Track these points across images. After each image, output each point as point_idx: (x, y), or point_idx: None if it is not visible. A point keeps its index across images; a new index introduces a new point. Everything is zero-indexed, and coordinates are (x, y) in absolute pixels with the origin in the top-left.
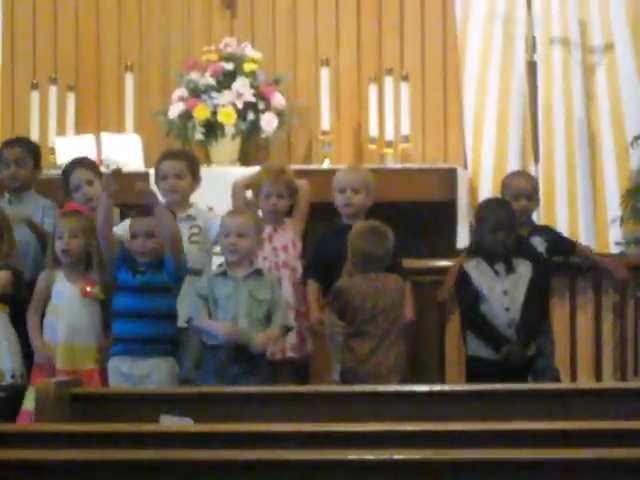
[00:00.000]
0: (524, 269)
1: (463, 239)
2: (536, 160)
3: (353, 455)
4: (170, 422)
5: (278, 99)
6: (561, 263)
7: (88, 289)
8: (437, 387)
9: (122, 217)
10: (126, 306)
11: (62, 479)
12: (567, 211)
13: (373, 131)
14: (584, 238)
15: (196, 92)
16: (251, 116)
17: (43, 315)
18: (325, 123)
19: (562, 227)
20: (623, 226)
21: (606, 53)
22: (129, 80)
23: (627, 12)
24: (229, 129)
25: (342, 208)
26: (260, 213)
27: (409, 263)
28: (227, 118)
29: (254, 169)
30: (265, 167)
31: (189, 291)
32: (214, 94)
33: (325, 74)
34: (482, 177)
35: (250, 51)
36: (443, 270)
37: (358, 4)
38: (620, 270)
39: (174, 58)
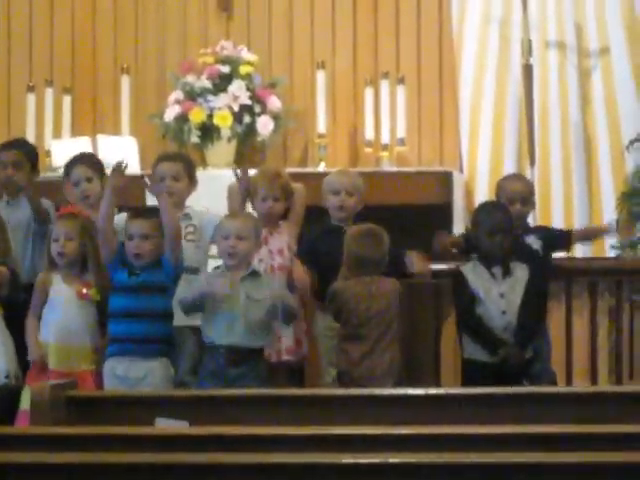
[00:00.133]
0: (521, 272)
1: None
2: (532, 163)
3: (348, 459)
4: (166, 425)
5: (274, 102)
6: (557, 266)
7: (84, 291)
8: (433, 390)
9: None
10: (121, 306)
11: None
12: (563, 214)
13: (369, 134)
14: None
15: (192, 95)
16: (247, 119)
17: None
18: (321, 126)
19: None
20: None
21: (602, 56)
22: (125, 83)
23: (623, 15)
24: (225, 132)
25: (335, 210)
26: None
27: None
28: (223, 121)
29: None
30: (261, 170)
31: (185, 290)
32: (210, 97)
33: (321, 77)
34: (478, 180)
35: (246, 54)
36: (438, 274)
37: (354, 7)
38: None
39: (170, 61)
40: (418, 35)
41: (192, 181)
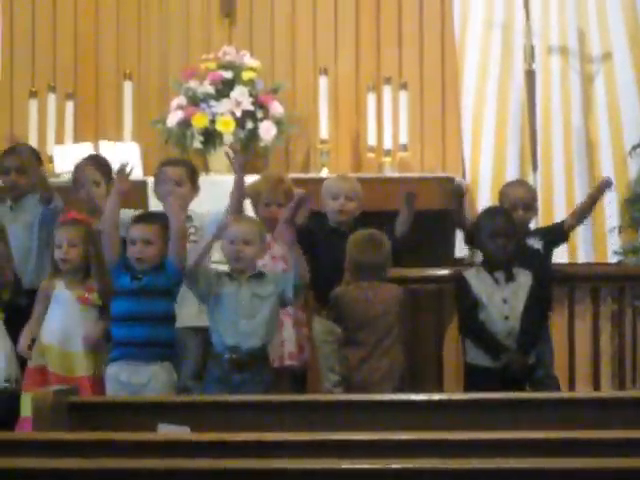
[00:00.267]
0: (524, 278)
1: (461, 248)
2: (534, 169)
3: (350, 464)
4: (168, 430)
5: (276, 108)
6: (560, 272)
7: (85, 295)
8: (435, 396)
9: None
10: (124, 310)
11: None
12: None
13: (371, 140)
14: (582, 247)
15: (195, 100)
16: (249, 125)
17: None
18: (323, 132)
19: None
20: (621, 235)
21: (604, 62)
22: (128, 88)
23: (626, 21)
24: (227, 137)
25: (334, 214)
26: None
27: (406, 272)
28: (225, 126)
29: (253, 178)
30: (264, 176)
31: (189, 292)
32: (213, 102)
33: (324, 83)
34: (480, 186)
35: (249, 59)
36: (441, 279)
37: (357, 13)
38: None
39: (173, 66)
40: (420, 41)
41: (194, 186)
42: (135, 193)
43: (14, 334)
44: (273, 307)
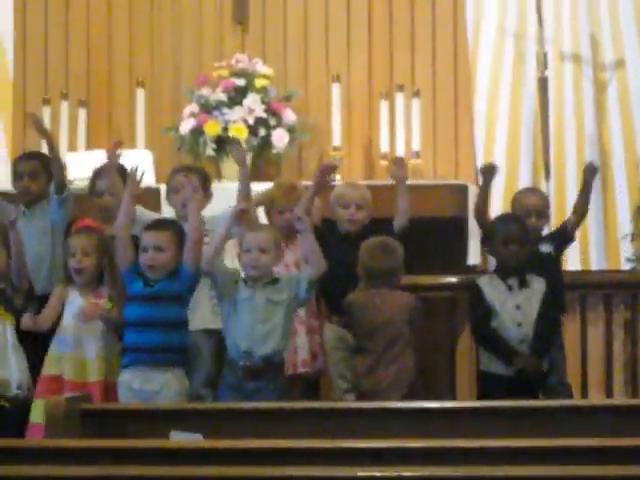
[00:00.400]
0: (538, 285)
1: (474, 255)
2: (547, 176)
3: (362, 472)
4: (180, 438)
5: (289, 115)
6: (572, 279)
7: (96, 302)
8: (448, 404)
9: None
10: (136, 315)
11: None
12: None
13: (384, 147)
14: (595, 254)
15: (207, 108)
16: (262, 132)
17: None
18: (336, 139)
19: (572, 243)
20: (634, 242)
21: (617, 69)
22: (140, 96)
23: (638, 28)
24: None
25: (344, 223)
26: None
27: (419, 279)
28: (238, 134)
29: (266, 185)
30: (277, 183)
31: (202, 294)
32: (225, 110)
33: (336, 90)
34: (493, 193)
35: (261, 67)
36: (454, 286)
37: (369, 20)
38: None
39: (185, 74)
40: (433, 48)
41: (207, 193)
42: (148, 200)
43: (25, 341)
44: (288, 313)
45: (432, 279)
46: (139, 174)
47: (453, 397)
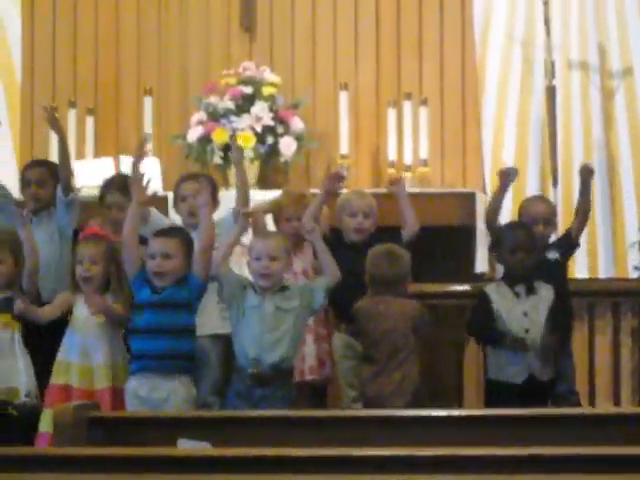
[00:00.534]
0: (546, 292)
1: (481, 263)
2: (555, 184)
3: None
4: (188, 446)
5: (297, 123)
6: (580, 287)
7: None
8: (455, 412)
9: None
10: (143, 322)
11: None
12: (586, 235)
13: (392, 155)
14: (603, 262)
15: (215, 116)
16: (270, 140)
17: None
18: (344, 147)
19: (580, 251)
20: None
21: (625, 77)
22: (148, 104)
23: None
24: (248, 153)
25: (352, 232)
26: None
27: (427, 287)
28: (246, 142)
29: (274, 193)
30: (286, 191)
31: (210, 300)
32: (233, 118)
33: (344, 98)
34: None
35: (269, 75)
36: (461, 294)
37: (377, 28)
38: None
39: (193, 82)
40: (441, 56)
41: (214, 201)
42: (155, 207)
43: (30, 349)
44: (297, 321)
45: (439, 287)
46: (145, 181)
47: (460, 405)
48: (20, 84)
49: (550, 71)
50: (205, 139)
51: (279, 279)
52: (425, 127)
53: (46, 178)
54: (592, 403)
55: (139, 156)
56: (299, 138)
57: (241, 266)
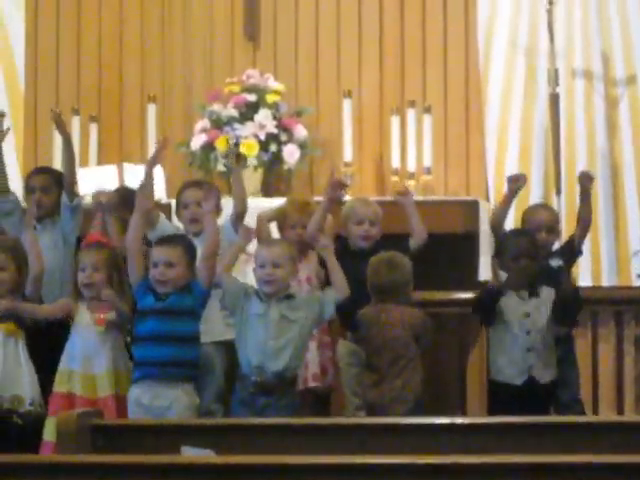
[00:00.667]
0: (547, 293)
1: (485, 271)
2: (558, 192)
3: None
4: (191, 453)
5: (300, 131)
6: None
7: (101, 316)
8: (459, 419)
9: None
10: (147, 330)
11: None
12: (589, 243)
13: (395, 163)
14: (606, 270)
15: (218, 124)
16: (273, 148)
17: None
18: (347, 155)
19: (584, 259)
20: None
21: (629, 85)
22: (151, 111)
23: None
24: (251, 160)
25: (358, 240)
26: None
27: (430, 295)
28: (249, 150)
29: (277, 200)
30: (290, 199)
31: (213, 306)
32: (236, 125)
33: (347, 106)
34: None
35: (272, 83)
36: (465, 302)
37: (380, 36)
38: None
39: (196, 89)
40: (444, 64)
41: (217, 208)
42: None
43: (34, 357)
44: (303, 331)
45: (443, 295)
46: (142, 188)
47: (463, 413)
48: (24, 91)
49: (554, 79)
50: (209, 147)
51: (284, 286)
52: (429, 135)
53: (50, 185)
54: (595, 411)
55: (154, 161)
56: (303, 146)
57: (245, 274)
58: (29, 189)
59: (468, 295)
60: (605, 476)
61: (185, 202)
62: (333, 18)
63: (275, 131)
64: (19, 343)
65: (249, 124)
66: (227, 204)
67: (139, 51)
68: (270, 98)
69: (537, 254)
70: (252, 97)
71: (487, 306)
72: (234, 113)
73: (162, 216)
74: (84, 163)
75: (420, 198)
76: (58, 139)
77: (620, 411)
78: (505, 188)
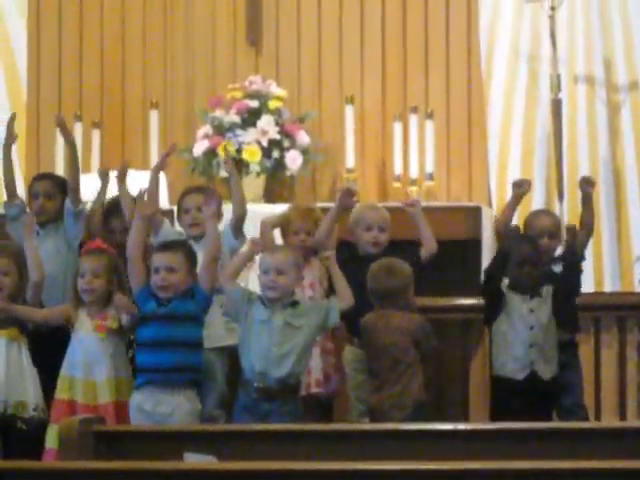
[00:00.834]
0: (547, 290)
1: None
2: (560, 198)
3: None
4: (194, 460)
5: (303, 137)
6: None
7: (101, 323)
8: (461, 425)
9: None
10: (150, 336)
11: None
12: (591, 249)
13: (398, 169)
14: (609, 276)
15: (221, 130)
16: (276, 154)
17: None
18: (350, 161)
19: (586, 265)
20: None
21: (631, 91)
22: (154, 117)
23: None
24: (254, 167)
25: (368, 246)
26: None
27: (433, 301)
28: (252, 156)
29: (280, 207)
30: (294, 205)
31: (215, 312)
32: (239, 132)
33: (350, 112)
34: None
35: (275, 89)
36: (467, 308)
37: (383, 42)
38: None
39: (199, 95)
40: (447, 70)
41: (218, 213)
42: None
43: (36, 363)
44: (306, 338)
45: (445, 301)
46: (141, 195)
47: (466, 418)
48: (26, 98)
49: (556, 85)
50: (211, 153)
51: (288, 292)
52: (431, 141)
53: (54, 191)
54: (598, 417)
55: (160, 166)
56: (305, 152)
57: (248, 280)
58: (32, 195)
59: (471, 301)
60: None
61: (186, 207)
62: (335, 24)
63: (277, 137)
64: (22, 349)
65: (251, 130)
66: (228, 210)
67: (141, 57)
68: (272, 104)
69: (540, 260)
70: (254, 103)
71: (496, 273)
72: (236, 119)
73: (166, 222)
74: (86, 169)
75: (423, 204)
76: (60, 145)
77: (623, 417)
78: (508, 194)
